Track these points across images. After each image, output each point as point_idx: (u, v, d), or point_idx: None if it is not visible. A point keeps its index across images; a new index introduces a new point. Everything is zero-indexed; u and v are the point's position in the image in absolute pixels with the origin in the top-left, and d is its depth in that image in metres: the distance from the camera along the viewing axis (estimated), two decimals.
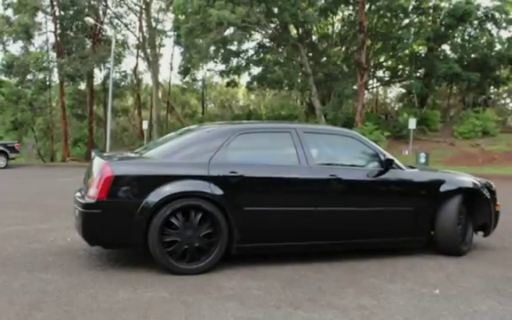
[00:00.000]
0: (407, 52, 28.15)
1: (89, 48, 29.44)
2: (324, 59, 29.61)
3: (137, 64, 34.77)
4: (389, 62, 31.15)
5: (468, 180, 5.41)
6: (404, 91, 32.80)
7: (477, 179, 5.66)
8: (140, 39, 32.09)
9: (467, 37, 27.56)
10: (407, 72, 29.67)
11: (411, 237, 5.10)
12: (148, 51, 31.86)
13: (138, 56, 33.87)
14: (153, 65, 31.51)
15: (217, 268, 4.37)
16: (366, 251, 5.04)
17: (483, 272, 4.62)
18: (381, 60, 30.99)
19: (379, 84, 34.25)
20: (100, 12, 30.46)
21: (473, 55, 26.93)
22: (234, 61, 30.42)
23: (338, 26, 30.92)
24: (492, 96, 32.73)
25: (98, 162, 4.45)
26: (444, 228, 5.10)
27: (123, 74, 32.83)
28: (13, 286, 3.83)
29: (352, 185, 4.77)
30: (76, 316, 3.24)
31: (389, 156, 4.98)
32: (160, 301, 3.55)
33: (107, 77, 30.04)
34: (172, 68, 37.15)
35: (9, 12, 28.01)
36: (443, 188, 5.14)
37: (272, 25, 26.49)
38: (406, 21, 27.96)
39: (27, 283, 3.92)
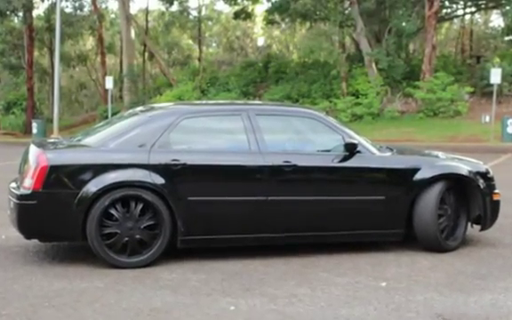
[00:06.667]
0: None
1: None
2: None
3: None
4: None
5: (454, 164, 7.13)
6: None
7: (473, 161, 7.36)
8: None
9: None
10: None
11: (382, 230, 6.84)
12: None
13: None
14: None
15: (162, 261, 6.27)
16: (337, 245, 6.79)
17: (457, 268, 6.34)
18: None
19: (471, 10, 34.45)
20: None
21: None
22: None
23: None
24: None
25: (33, 150, 6.33)
26: (422, 220, 6.79)
27: (77, 3, 33.70)
28: None
29: (309, 172, 6.62)
30: (11, 300, 5.18)
31: (355, 139, 6.71)
32: (94, 290, 5.50)
33: (52, 10, 30.56)
34: None
35: None
36: (419, 176, 6.83)
37: None
38: None
39: None
